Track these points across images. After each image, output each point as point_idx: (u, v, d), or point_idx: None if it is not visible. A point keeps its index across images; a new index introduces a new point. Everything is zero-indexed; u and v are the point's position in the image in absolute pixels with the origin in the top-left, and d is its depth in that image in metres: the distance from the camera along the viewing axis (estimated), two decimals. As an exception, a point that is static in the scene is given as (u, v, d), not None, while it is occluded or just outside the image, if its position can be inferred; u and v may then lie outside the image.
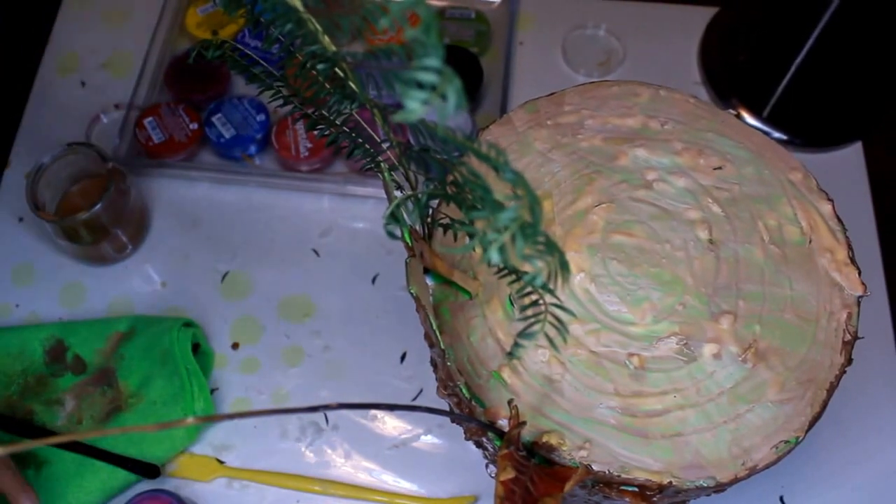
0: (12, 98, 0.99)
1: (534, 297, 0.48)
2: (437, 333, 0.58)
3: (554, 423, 0.58)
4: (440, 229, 0.62)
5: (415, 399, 0.84)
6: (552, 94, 0.70)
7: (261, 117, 0.94)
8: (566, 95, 0.70)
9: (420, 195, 0.50)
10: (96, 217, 0.81)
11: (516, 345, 0.48)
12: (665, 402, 0.58)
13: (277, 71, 0.60)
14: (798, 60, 0.95)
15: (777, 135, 0.95)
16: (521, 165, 0.67)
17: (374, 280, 0.89)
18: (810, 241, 0.63)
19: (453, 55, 0.97)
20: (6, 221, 0.92)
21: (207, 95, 0.96)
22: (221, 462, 0.81)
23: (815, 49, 0.93)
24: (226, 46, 0.58)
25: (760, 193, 0.64)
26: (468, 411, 0.60)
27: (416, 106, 0.30)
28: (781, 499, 0.80)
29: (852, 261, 0.62)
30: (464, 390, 0.59)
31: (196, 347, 0.83)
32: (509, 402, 0.57)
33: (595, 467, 0.57)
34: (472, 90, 0.96)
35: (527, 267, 0.54)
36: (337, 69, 0.51)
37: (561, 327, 0.47)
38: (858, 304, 0.61)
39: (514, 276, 0.50)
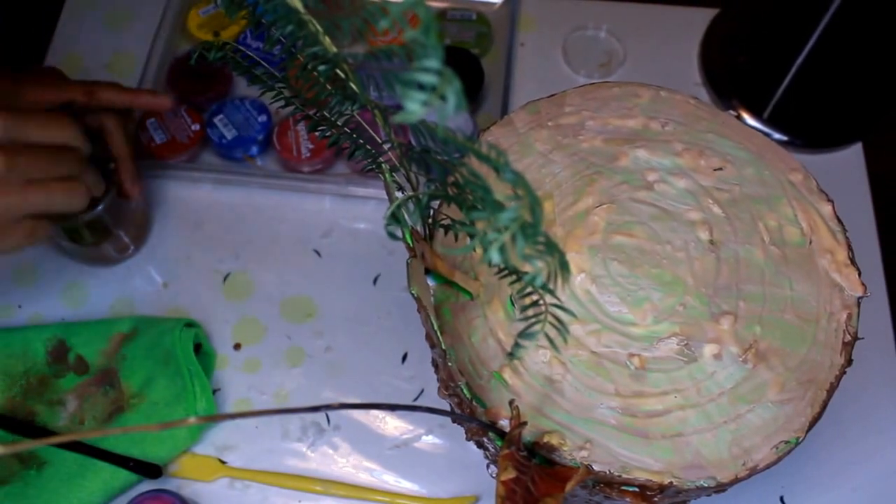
0: (15, 99, 0.99)
1: (534, 297, 0.48)
2: (439, 334, 0.58)
3: (555, 424, 0.58)
4: (441, 230, 0.62)
5: (416, 399, 0.84)
6: (553, 95, 0.71)
7: (262, 118, 0.94)
8: (567, 97, 0.70)
9: (421, 196, 0.51)
10: (98, 218, 0.82)
11: (517, 345, 0.48)
12: (666, 402, 0.58)
13: (279, 72, 0.60)
14: (798, 62, 0.95)
15: (777, 136, 0.95)
16: (522, 166, 0.67)
17: (375, 281, 0.89)
18: (810, 242, 0.63)
19: (454, 56, 0.97)
20: (8, 222, 0.92)
21: (209, 97, 0.96)
22: (223, 462, 0.81)
23: (815, 50, 0.93)
24: (227, 48, 0.59)
25: (761, 194, 0.65)
26: (469, 412, 0.60)
27: (415, 107, 0.30)
28: (782, 499, 0.80)
29: (852, 261, 0.62)
30: (465, 391, 0.59)
31: (198, 348, 0.83)
32: (510, 403, 0.57)
33: (596, 467, 0.57)
34: (473, 91, 0.96)
35: (527, 267, 0.54)
36: (338, 70, 0.51)
37: (561, 328, 0.47)
38: (858, 304, 0.61)
39: (514, 277, 0.50)
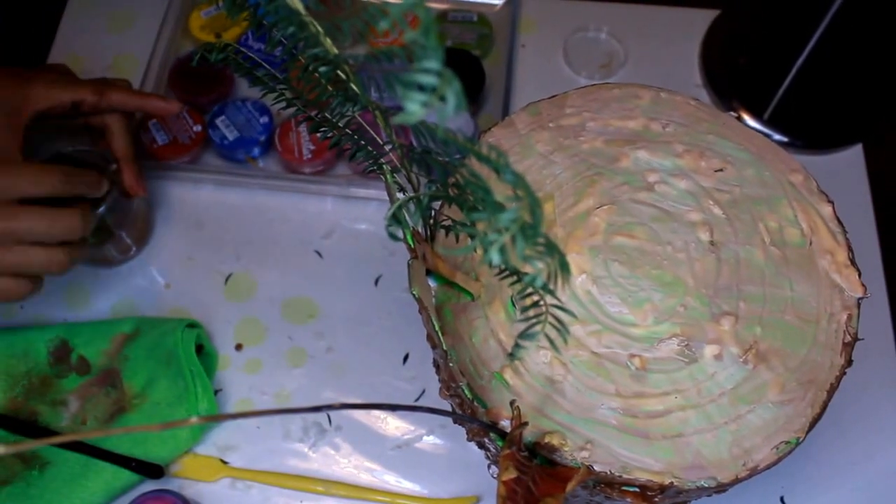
0: (17, 101, 0.99)
1: (535, 298, 0.48)
2: (440, 335, 0.59)
3: (556, 424, 0.58)
4: (442, 231, 0.62)
5: (417, 400, 0.84)
6: (554, 96, 0.71)
7: (264, 120, 0.94)
8: (568, 98, 0.70)
9: (422, 197, 0.51)
10: (100, 219, 0.82)
11: (517, 346, 0.48)
12: (666, 402, 0.58)
13: (280, 74, 0.60)
14: (799, 63, 0.95)
15: (778, 137, 0.95)
16: (522, 167, 0.67)
17: (376, 281, 0.89)
18: (811, 243, 0.63)
19: (456, 58, 0.98)
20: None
21: (211, 98, 0.96)
22: (225, 462, 0.81)
23: (815, 51, 0.93)
24: (229, 49, 0.59)
25: (761, 195, 0.65)
26: (470, 412, 0.60)
27: (415, 108, 0.30)
28: (782, 499, 0.80)
29: (852, 262, 0.62)
30: (466, 391, 0.59)
31: (200, 349, 0.84)
32: (511, 403, 0.57)
33: (596, 468, 0.57)
34: (475, 93, 0.96)
35: (527, 268, 0.54)
36: (339, 72, 0.51)
37: (562, 328, 0.47)
38: (858, 305, 0.61)
39: (515, 278, 0.50)
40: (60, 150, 0.82)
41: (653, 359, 0.59)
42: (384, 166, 0.58)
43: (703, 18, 1.04)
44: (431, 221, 0.62)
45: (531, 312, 0.48)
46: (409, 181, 0.57)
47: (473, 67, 0.97)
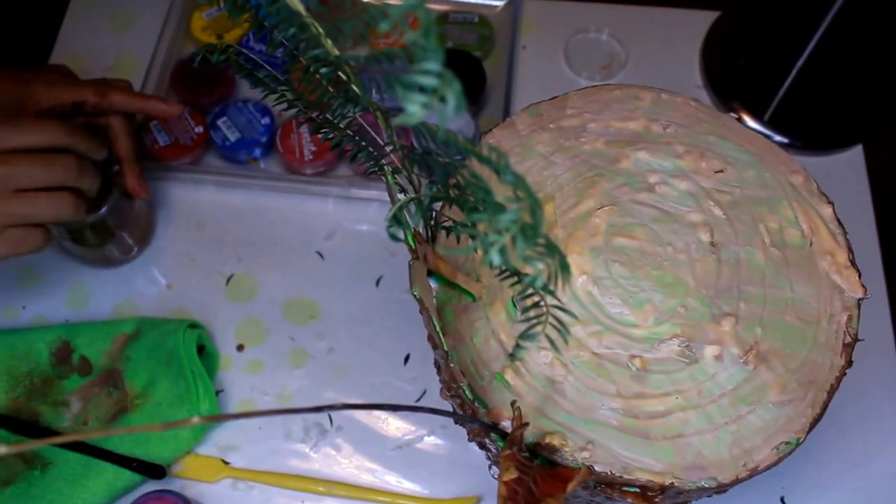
0: (19, 102, 0.99)
1: (535, 298, 0.48)
2: (441, 335, 0.59)
3: (556, 425, 0.58)
4: (443, 232, 0.62)
5: (418, 400, 0.84)
6: (555, 97, 0.71)
7: (265, 121, 0.94)
8: (569, 99, 0.70)
9: (423, 198, 0.51)
10: (102, 220, 0.82)
11: (518, 346, 0.48)
12: (667, 403, 0.58)
13: (282, 75, 0.60)
14: (799, 64, 0.95)
15: (778, 138, 0.95)
16: (523, 168, 0.67)
17: (378, 282, 0.90)
18: (811, 244, 0.63)
19: (456, 59, 0.98)
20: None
21: (212, 99, 0.96)
22: (227, 463, 0.81)
23: (816, 53, 0.93)
24: (230, 50, 0.59)
25: (761, 196, 0.65)
26: (471, 412, 0.60)
27: (415, 109, 0.31)
28: (782, 499, 0.80)
29: (853, 263, 0.62)
30: (467, 392, 0.59)
31: (201, 349, 0.84)
32: (512, 404, 0.57)
33: (597, 468, 0.57)
34: (476, 94, 0.96)
35: (528, 269, 0.54)
36: (340, 73, 0.51)
37: (562, 329, 0.47)
38: (859, 306, 0.61)
39: (515, 278, 0.50)
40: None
41: (653, 359, 0.59)
42: (385, 167, 0.58)
43: (703, 20, 1.04)
44: (432, 222, 0.62)
45: (532, 313, 0.48)
46: (410, 182, 0.57)
47: (474, 69, 0.97)
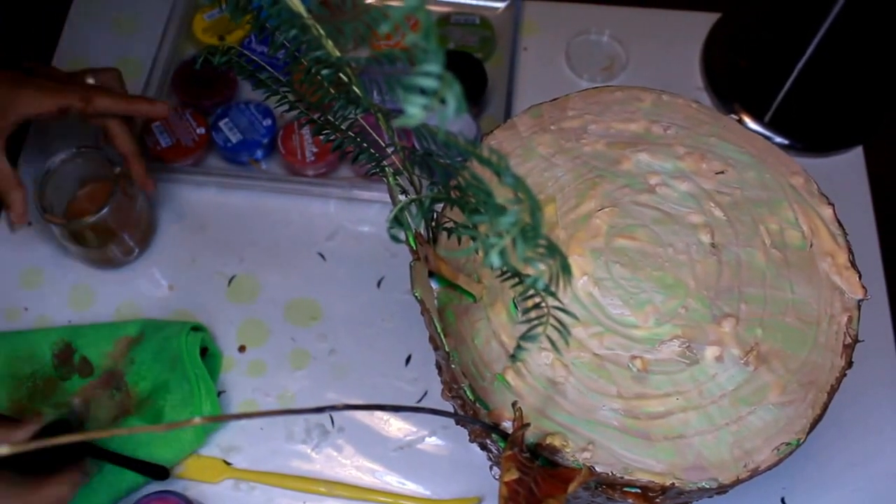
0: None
1: (536, 299, 0.48)
2: (442, 336, 0.59)
3: (557, 425, 0.58)
4: (444, 233, 0.62)
5: (420, 401, 0.84)
6: (556, 99, 0.71)
7: (267, 122, 0.94)
8: (570, 101, 0.71)
9: (424, 199, 0.51)
10: (103, 220, 0.82)
11: (519, 347, 0.48)
12: (667, 404, 0.58)
13: (283, 76, 0.60)
14: (799, 66, 0.95)
15: (778, 140, 0.95)
16: (524, 170, 0.68)
17: (379, 283, 0.90)
18: (811, 245, 0.63)
19: (458, 60, 0.98)
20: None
21: (214, 100, 0.96)
22: (229, 464, 0.81)
23: (816, 55, 0.94)
24: (232, 52, 0.59)
25: (762, 197, 0.65)
26: (472, 413, 0.60)
27: (416, 111, 0.31)
28: (783, 500, 0.80)
29: (853, 264, 0.62)
30: (468, 393, 0.59)
31: (204, 351, 0.84)
32: (513, 405, 0.57)
33: (598, 469, 0.57)
34: (477, 95, 0.97)
35: (528, 270, 0.54)
36: (341, 74, 0.51)
37: (563, 330, 0.48)
38: (859, 307, 0.61)
39: (516, 280, 0.50)
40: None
41: (654, 360, 0.59)
42: (386, 169, 0.58)
43: (704, 21, 1.04)
44: (433, 224, 0.62)
45: (533, 314, 0.48)
46: (412, 183, 0.57)
47: (475, 70, 0.97)
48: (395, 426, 0.83)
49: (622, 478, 0.57)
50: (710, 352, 0.59)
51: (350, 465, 0.81)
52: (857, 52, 0.98)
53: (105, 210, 0.81)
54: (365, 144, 0.59)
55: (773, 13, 1.04)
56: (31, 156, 0.96)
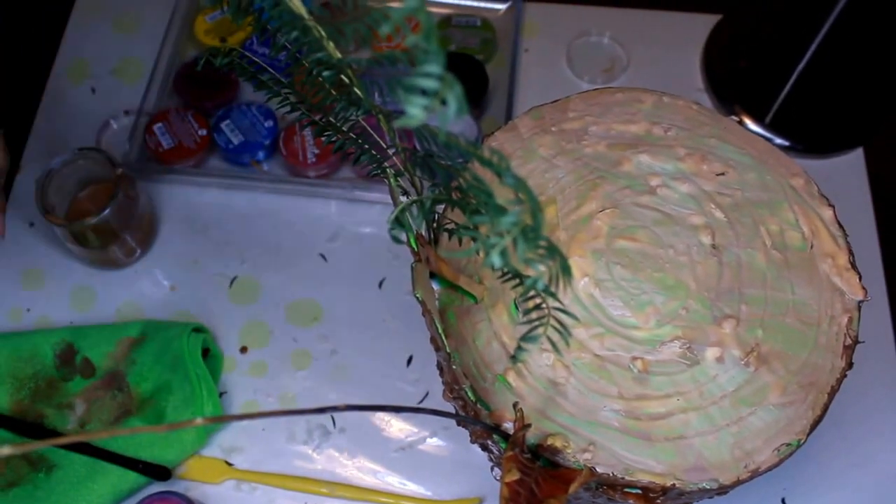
0: (24, 104, 1.00)
1: (537, 300, 0.49)
2: (443, 337, 0.59)
3: (558, 426, 0.58)
4: (445, 234, 0.62)
5: (421, 402, 0.84)
6: (557, 100, 0.71)
7: (269, 123, 0.94)
8: (571, 102, 0.71)
9: (425, 200, 0.51)
10: (105, 221, 0.82)
11: (520, 348, 0.48)
12: (668, 405, 0.58)
13: (285, 78, 0.60)
14: (800, 67, 0.95)
15: (779, 141, 0.95)
16: (525, 171, 0.68)
17: (380, 284, 0.90)
18: (812, 247, 0.63)
19: (459, 62, 0.98)
20: (17, 226, 0.93)
21: (216, 102, 0.97)
22: (230, 464, 0.81)
23: (816, 56, 0.94)
24: (234, 54, 0.59)
25: (762, 199, 0.65)
26: (474, 414, 0.60)
27: (417, 112, 0.31)
28: (783, 501, 0.80)
29: (853, 266, 0.62)
30: (469, 393, 0.59)
31: (206, 351, 0.84)
32: (514, 406, 0.57)
33: (599, 469, 0.57)
34: (478, 97, 0.97)
35: (529, 271, 0.54)
36: (342, 76, 0.52)
37: (564, 331, 0.48)
38: (859, 308, 0.61)
39: (517, 280, 0.51)
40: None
41: (655, 361, 0.60)
42: (388, 170, 0.58)
43: (704, 23, 1.04)
44: (435, 225, 0.62)
45: (534, 315, 0.48)
46: (413, 184, 0.58)
47: (477, 72, 0.98)
48: (397, 427, 0.83)
49: (623, 479, 0.57)
50: (711, 353, 0.59)
51: (351, 466, 0.82)
52: (857, 54, 0.98)
53: (107, 211, 0.81)
54: (366, 146, 0.60)
55: (774, 15, 1.04)
56: (32, 157, 0.97)
